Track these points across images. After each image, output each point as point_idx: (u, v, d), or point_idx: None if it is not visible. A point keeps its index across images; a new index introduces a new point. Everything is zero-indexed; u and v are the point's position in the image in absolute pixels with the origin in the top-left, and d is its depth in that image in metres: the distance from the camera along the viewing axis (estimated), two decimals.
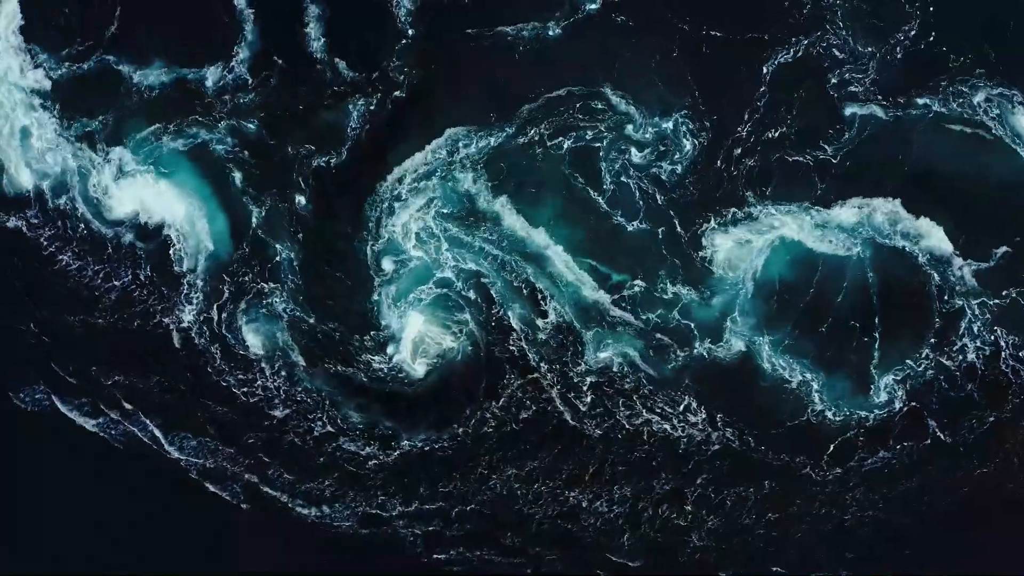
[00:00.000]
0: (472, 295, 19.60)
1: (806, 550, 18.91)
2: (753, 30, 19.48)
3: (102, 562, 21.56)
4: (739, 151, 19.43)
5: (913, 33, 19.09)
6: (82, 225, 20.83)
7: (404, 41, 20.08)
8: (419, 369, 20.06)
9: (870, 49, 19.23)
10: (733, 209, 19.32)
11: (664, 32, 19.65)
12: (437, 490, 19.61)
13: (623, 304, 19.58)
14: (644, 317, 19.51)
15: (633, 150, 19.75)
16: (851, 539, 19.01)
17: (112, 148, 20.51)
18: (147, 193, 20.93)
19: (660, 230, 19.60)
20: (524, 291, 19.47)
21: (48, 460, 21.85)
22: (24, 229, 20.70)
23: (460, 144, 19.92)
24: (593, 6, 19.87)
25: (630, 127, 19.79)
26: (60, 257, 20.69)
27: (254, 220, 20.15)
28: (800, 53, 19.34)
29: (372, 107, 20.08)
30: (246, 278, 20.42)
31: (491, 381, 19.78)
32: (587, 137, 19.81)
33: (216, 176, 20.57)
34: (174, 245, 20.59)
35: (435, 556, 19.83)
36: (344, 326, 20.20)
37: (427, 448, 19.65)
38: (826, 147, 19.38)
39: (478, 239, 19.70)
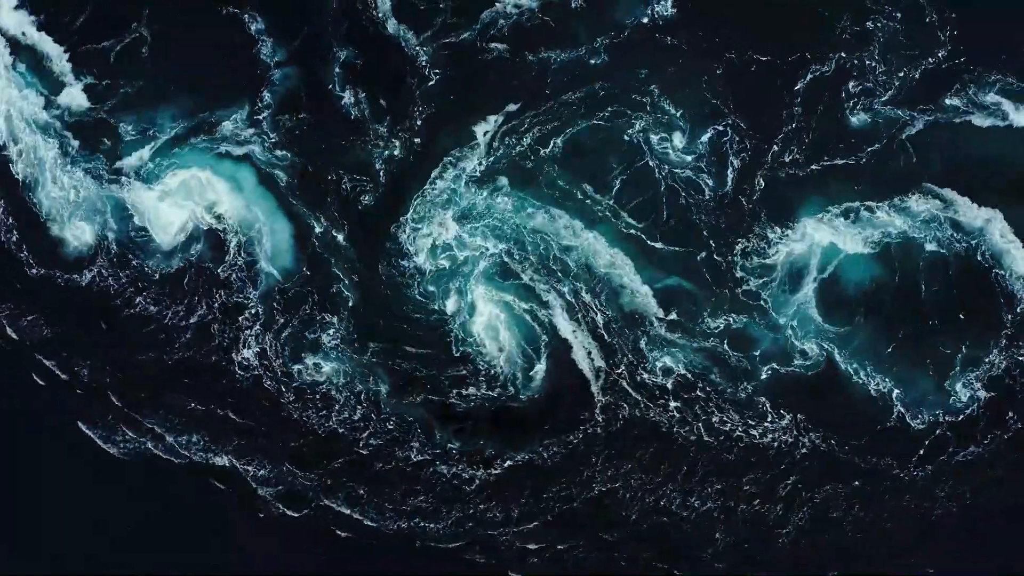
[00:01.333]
0: (540, 315, 19.90)
1: (894, 544, 19.23)
2: (793, 52, 19.50)
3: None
4: (785, 160, 19.58)
5: (943, 54, 19.48)
6: (146, 264, 20.72)
7: (429, 83, 20.22)
8: (512, 389, 19.91)
9: (903, 71, 19.54)
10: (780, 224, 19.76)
11: (709, 54, 19.68)
12: (541, 497, 19.67)
13: (692, 317, 19.67)
14: (713, 326, 19.49)
15: (677, 162, 19.84)
16: (938, 532, 19.33)
17: (153, 182, 20.77)
18: (198, 225, 20.76)
19: (711, 242, 19.64)
20: (597, 306, 19.86)
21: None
22: (97, 280, 20.83)
23: (500, 160, 20.16)
24: (643, 20, 19.92)
25: (677, 137, 19.93)
26: (137, 300, 20.74)
27: (311, 249, 20.39)
28: (834, 68, 19.54)
29: (399, 146, 20.28)
30: (308, 310, 20.34)
31: (582, 393, 19.80)
32: (632, 147, 19.81)
33: (264, 205, 20.48)
34: (234, 280, 20.39)
35: (532, 560, 19.88)
36: (429, 358, 19.96)
37: (528, 459, 19.79)
38: (864, 152, 19.55)
39: (531, 258, 19.95)
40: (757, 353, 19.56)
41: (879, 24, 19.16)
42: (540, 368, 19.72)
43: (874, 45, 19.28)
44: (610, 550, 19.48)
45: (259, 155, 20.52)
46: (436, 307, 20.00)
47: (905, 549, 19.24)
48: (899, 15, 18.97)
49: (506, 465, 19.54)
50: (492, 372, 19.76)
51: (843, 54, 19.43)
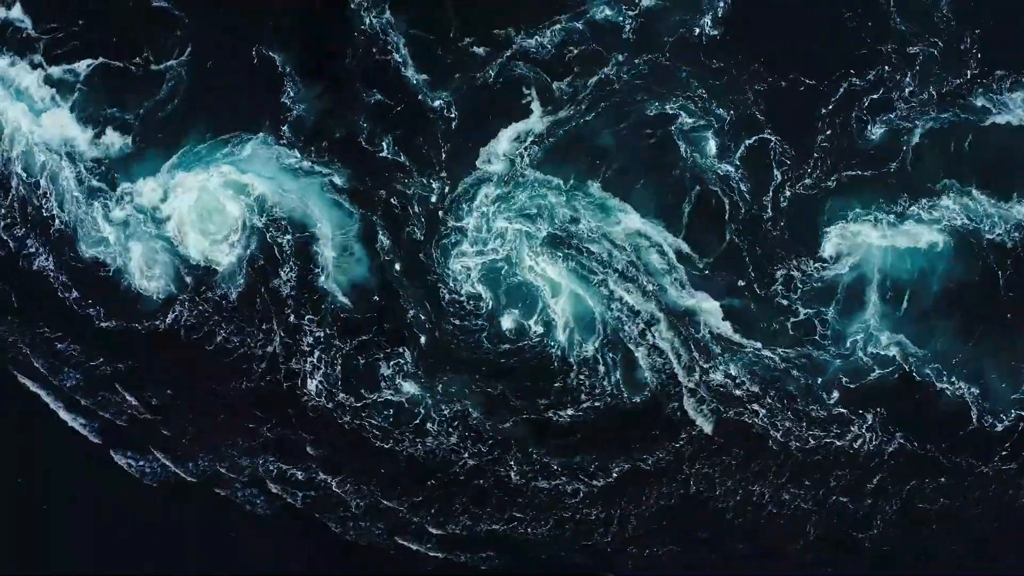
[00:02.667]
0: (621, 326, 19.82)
1: (981, 534, 19.81)
2: (833, 75, 19.25)
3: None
4: (820, 176, 19.36)
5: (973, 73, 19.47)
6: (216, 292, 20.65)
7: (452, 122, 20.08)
8: (607, 400, 19.92)
9: (935, 89, 19.51)
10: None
11: (749, 73, 19.42)
12: (642, 501, 19.98)
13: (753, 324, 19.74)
14: (771, 357, 19.64)
15: (708, 167, 19.73)
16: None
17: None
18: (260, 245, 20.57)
19: (752, 270, 19.55)
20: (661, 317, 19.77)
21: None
22: (180, 320, 20.74)
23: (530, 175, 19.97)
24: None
25: (711, 144, 19.79)
26: (218, 333, 20.72)
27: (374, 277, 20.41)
28: (871, 88, 19.29)
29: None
30: (379, 339, 20.37)
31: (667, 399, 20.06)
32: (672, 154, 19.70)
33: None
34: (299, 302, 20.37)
35: (629, 562, 20.17)
36: (520, 378, 20.06)
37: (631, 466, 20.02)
38: (895, 159, 19.30)
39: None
40: (821, 380, 19.46)
41: (920, 51, 19.17)
42: (618, 376, 19.81)
43: (914, 70, 19.10)
44: (706, 547, 20.07)
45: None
46: (508, 327, 20.00)
47: (990, 537, 19.88)
48: (941, 44, 19.14)
49: (614, 476, 19.87)
50: (581, 384, 19.84)
51: (884, 75, 19.13)
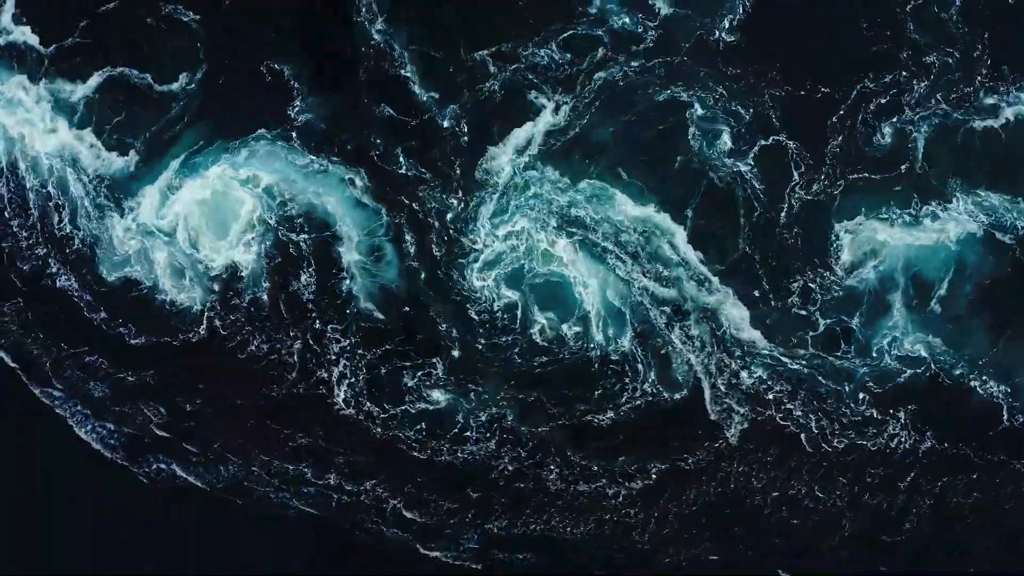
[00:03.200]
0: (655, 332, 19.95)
1: (1013, 530, 20.01)
2: (849, 82, 19.33)
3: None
4: (830, 181, 19.36)
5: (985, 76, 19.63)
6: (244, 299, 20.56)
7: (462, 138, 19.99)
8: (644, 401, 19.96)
9: (944, 95, 19.64)
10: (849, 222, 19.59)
11: (766, 79, 19.44)
12: (681, 500, 20.17)
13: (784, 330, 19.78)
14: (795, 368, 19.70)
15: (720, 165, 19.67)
16: None
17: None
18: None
19: (767, 283, 19.61)
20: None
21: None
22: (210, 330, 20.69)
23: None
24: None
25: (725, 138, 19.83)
26: (250, 342, 20.68)
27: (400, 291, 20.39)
28: (886, 95, 19.33)
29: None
30: (409, 348, 20.39)
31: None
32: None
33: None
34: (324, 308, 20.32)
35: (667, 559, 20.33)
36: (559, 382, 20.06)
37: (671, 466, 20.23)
38: (907, 161, 19.32)
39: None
40: (849, 387, 19.58)
41: (936, 60, 19.20)
42: (654, 376, 19.91)
43: (929, 77, 19.12)
44: (742, 545, 20.26)
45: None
46: (541, 333, 20.01)
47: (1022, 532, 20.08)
48: (956, 54, 19.20)
49: (653, 477, 20.00)
50: (619, 386, 19.92)
51: (899, 80, 19.18)
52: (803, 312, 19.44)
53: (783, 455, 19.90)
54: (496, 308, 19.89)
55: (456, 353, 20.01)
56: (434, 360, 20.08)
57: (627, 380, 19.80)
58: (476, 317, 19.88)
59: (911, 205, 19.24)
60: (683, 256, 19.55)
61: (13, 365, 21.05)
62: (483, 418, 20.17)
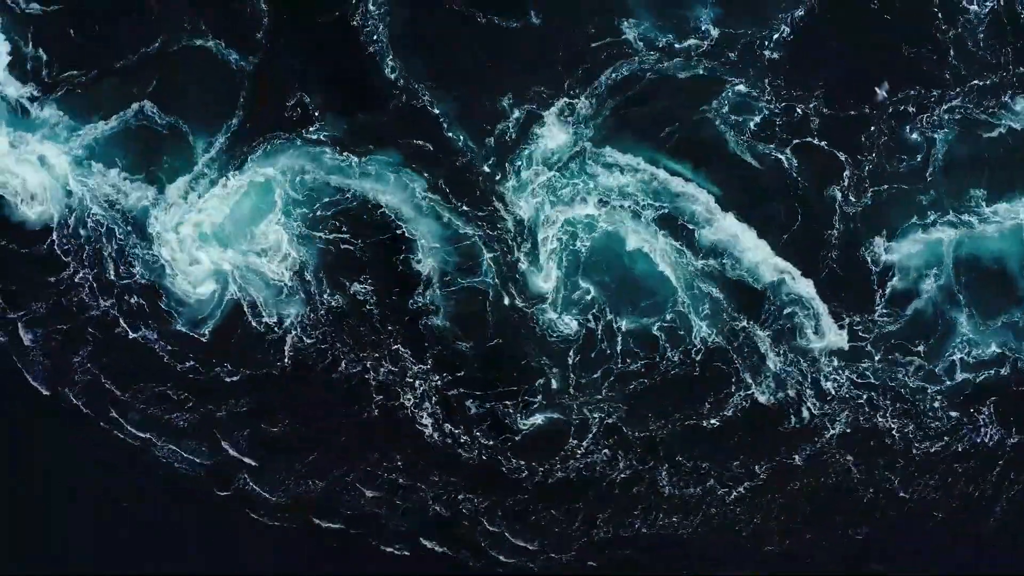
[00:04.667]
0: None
1: None
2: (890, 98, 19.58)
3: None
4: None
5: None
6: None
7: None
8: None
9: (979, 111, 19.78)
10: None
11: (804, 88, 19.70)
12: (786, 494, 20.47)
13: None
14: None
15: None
16: None
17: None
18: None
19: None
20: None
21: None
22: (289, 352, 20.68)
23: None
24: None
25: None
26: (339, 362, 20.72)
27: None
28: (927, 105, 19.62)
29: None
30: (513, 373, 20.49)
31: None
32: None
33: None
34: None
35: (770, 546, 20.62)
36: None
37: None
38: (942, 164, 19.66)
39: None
40: (930, 400, 20.01)
41: (978, 84, 19.47)
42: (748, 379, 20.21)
43: (970, 97, 19.48)
44: (841, 533, 20.64)
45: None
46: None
47: None
48: (995, 78, 19.47)
49: (762, 477, 20.29)
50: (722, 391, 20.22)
51: (934, 99, 19.53)
52: (880, 322, 19.82)
53: (876, 453, 20.28)
54: (582, 320, 20.12)
55: (554, 374, 20.23)
56: (537, 382, 20.28)
57: (729, 384, 20.11)
58: (565, 333, 20.16)
59: (948, 210, 19.55)
60: (771, 262, 19.73)
61: (87, 411, 20.94)
62: (594, 428, 20.36)
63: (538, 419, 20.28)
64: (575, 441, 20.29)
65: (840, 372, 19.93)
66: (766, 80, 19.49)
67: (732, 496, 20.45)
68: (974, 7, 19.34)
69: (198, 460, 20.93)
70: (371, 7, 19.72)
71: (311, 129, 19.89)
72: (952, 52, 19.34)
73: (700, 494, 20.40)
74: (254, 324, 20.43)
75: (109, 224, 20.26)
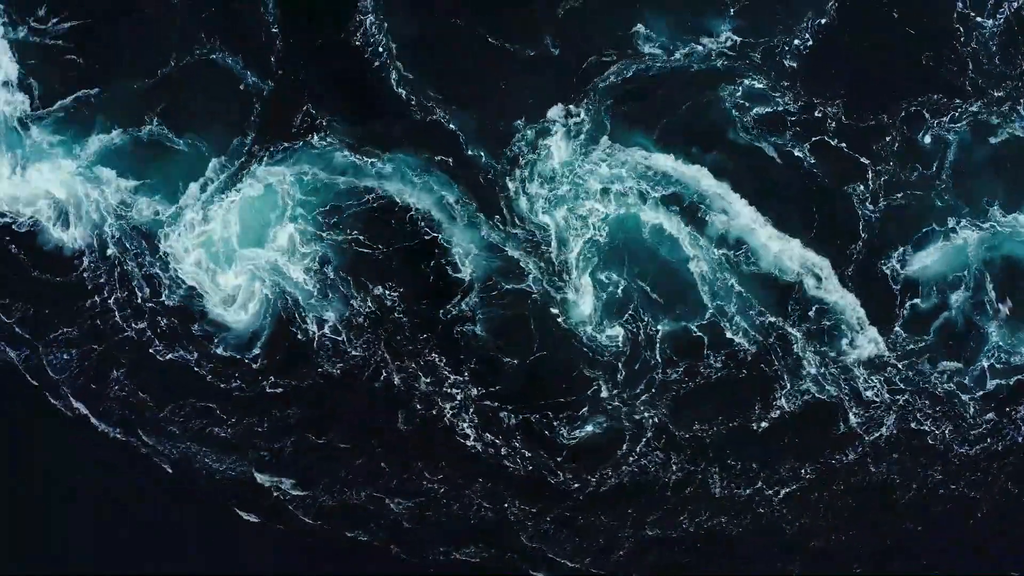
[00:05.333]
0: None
1: None
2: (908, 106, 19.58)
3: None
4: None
5: None
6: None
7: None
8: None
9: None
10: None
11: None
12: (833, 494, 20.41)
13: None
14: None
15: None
16: None
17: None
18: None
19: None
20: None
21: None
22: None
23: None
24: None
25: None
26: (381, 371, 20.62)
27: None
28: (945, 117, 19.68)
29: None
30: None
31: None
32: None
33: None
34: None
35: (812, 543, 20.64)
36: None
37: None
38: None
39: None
40: (966, 409, 19.99)
41: (1004, 94, 19.56)
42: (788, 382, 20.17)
43: (991, 108, 19.54)
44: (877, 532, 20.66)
45: None
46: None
47: None
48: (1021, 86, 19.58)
49: (807, 478, 20.31)
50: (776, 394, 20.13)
51: (956, 109, 19.60)
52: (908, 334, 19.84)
53: (918, 453, 20.22)
54: (624, 329, 20.07)
55: (602, 382, 20.14)
56: (587, 391, 20.20)
57: (774, 386, 20.05)
58: (602, 340, 20.09)
59: (967, 216, 19.53)
60: (812, 267, 19.68)
61: (121, 437, 21.09)
62: (645, 439, 20.36)
63: (588, 428, 20.19)
64: (629, 446, 20.26)
65: (876, 376, 19.92)
66: (784, 84, 19.53)
67: (780, 496, 20.41)
68: (989, 21, 19.45)
69: (233, 473, 20.95)
70: (372, 28, 19.78)
71: (326, 138, 19.87)
72: (970, 63, 19.42)
73: (749, 494, 20.35)
74: (297, 334, 20.39)
75: (131, 247, 20.36)
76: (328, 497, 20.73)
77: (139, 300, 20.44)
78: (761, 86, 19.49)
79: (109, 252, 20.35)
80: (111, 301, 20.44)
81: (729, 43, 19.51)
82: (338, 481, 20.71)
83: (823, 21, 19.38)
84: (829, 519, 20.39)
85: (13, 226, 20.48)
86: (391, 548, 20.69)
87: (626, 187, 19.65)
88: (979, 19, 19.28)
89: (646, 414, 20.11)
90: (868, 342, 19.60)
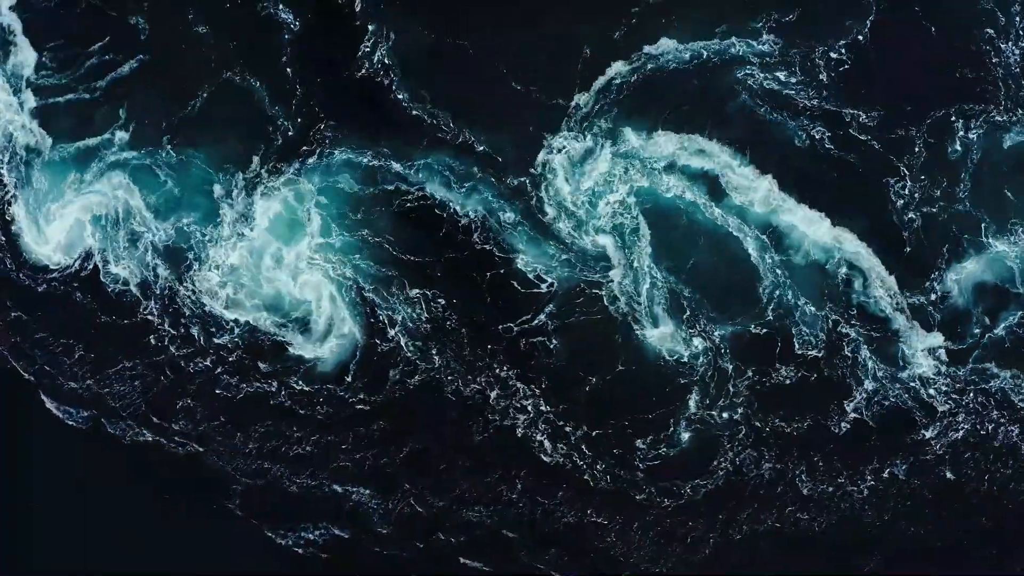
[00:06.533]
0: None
1: None
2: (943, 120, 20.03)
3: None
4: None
5: None
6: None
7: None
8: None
9: None
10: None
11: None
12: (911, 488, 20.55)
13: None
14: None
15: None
16: None
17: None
18: None
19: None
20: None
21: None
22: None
23: None
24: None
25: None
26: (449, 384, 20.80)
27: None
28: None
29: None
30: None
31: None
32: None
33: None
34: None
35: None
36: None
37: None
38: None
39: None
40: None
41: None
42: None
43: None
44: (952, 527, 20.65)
45: None
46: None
47: None
48: None
49: (886, 476, 20.42)
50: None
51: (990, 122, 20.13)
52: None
53: (988, 452, 20.35)
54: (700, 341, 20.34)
55: (690, 396, 20.35)
56: (676, 403, 20.41)
57: (847, 391, 20.26)
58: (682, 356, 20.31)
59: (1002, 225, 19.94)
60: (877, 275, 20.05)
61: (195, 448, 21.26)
62: (736, 441, 20.51)
63: (682, 438, 20.37)
64: (723, 452, 20.44)
65: (942, 381, 20.16)
66: (820, 92, 20.04)
67: (865, 493, 20.50)
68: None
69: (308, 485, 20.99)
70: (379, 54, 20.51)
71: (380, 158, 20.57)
72: (1001, 75, 19.93)
73: (831, 492, 20.41)
74: (377, 348, 20.68)
75: (183, 281, 20.89)
76: (405, 505, 20.81)
77: (209, 336, 20.99)
78: (832, 108, 20.00)
79: (160, 285, 20.95)
80: (170, 336, 20.96)
81: (769, 45, 20.13)
82: (417, 491, 20.79)
83: (857, 36, 20.06)
84: (906, 515, 20.57)
85: (69, 272, 20.99)
86: (468, 557, 20.73)
87: (685, 192, 20.11)
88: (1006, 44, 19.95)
89: (735, 417, 20.35)
90: (930, 350, 20.00)
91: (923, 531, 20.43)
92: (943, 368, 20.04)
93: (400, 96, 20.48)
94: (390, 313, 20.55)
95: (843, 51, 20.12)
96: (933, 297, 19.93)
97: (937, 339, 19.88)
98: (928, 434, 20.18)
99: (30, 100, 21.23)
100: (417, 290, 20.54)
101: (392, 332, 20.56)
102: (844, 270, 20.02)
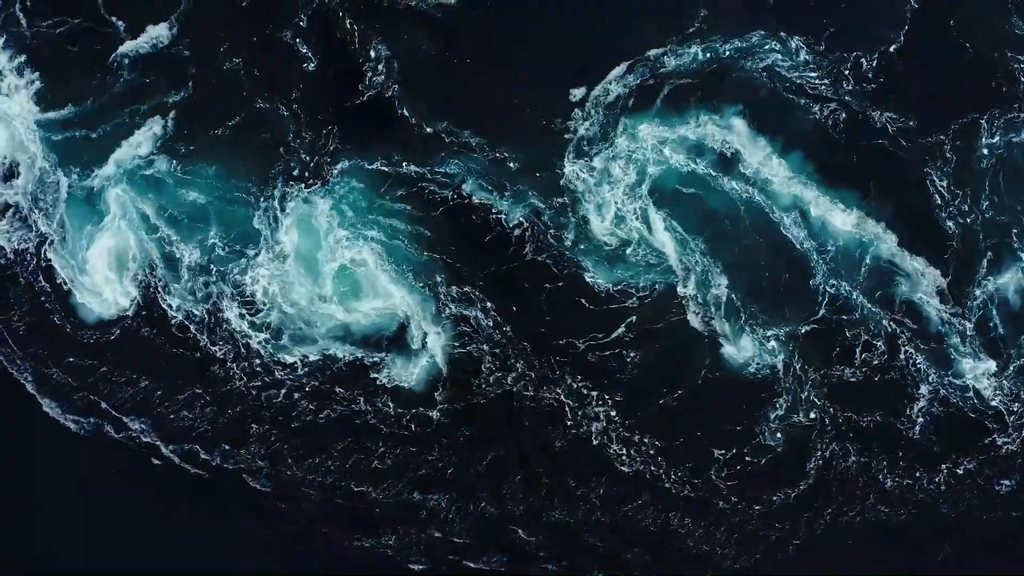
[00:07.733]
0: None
1: None
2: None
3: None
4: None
5: None
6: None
7: None
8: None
9: None
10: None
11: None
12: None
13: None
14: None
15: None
16: None
17: None
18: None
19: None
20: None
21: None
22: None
23: None
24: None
25: None
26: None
27: None
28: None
29: None
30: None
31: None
32: None
33: None
34: None
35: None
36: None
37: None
38: None
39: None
40: None
41: None
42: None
43: None
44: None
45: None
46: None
47: None
48: None
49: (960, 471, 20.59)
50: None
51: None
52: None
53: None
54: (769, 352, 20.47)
55: (778, 402, 20.50)
56: (760, 411, 20.64)
57: (913, 392, 20.50)
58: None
59: None
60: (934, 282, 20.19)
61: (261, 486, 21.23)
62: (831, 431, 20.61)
63: (774, 444, 20.60)
64: (816, 454, 20.65)
65: (1007, 384, 20.46)
66: (853, 101, 20.12)
67: (942, 486, 20.74)
68: None
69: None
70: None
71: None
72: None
73: (911, 484, 20.69)
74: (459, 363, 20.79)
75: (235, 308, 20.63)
76: (482, 511, 20.99)
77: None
78: (878, 117, 20.02)
79: (203, 312, 20.79)
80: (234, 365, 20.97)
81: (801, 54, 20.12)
82: (496, 496, 21.00)
83: (889, 48, 20.17)
84: (979, 506, 20.94)
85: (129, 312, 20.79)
86: (549, 563, 21.03)
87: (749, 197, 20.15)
88: None
89: (816, 416, 20.58)
90: (985, 361, 20.34)
91: (994, 519, 20.88)
92: (997, 382, 20.46)
93: (418, 115, 20.48)
94: (469, 329, 20.55)
95: (877, 61, 20.22)
96: (976, 314, 20.29)
97: (990, 365, 20.22)
98: (999, 440, 20.60)
99: (55, 134, 20.71)
100: (490, 302, 20.53)
101: (471, 346, 20.55)
102: (902, 286, 20.26)
